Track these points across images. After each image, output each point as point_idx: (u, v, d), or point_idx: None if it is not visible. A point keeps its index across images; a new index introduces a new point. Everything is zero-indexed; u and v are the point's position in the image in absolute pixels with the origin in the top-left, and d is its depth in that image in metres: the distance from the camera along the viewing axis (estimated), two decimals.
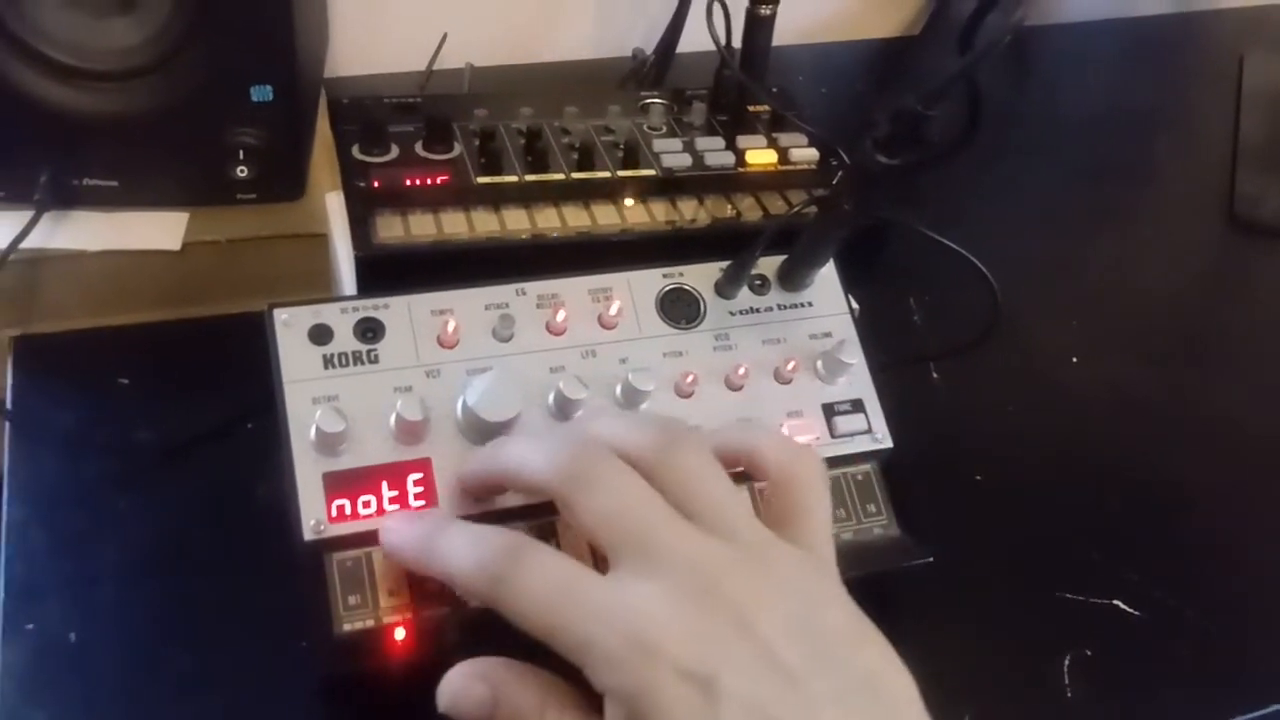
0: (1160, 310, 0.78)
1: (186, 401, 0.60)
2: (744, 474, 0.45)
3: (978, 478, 0.62)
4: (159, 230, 0.63)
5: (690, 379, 0.51)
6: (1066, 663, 0.53)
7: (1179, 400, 0.70)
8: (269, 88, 0.61)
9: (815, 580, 0.40)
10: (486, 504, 0.47)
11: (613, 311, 0.52)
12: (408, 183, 0.58)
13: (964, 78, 0.43)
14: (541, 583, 0.38)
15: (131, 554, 0.53)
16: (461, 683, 0.39)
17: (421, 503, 0.47)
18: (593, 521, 0.39)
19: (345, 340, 0.49)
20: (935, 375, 0.68)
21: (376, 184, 0.57)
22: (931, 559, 0.52)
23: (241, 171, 0.63)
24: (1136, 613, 0.56)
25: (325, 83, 0.84)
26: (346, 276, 0.58)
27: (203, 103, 0.61)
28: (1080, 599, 0.56)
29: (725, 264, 0.55)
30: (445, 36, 0.92)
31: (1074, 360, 0.71)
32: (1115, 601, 0.56)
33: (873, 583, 0.52)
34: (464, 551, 0.40)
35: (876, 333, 0.57)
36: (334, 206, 0.63)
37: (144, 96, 0.61)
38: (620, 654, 0.35)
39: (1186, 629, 0.56)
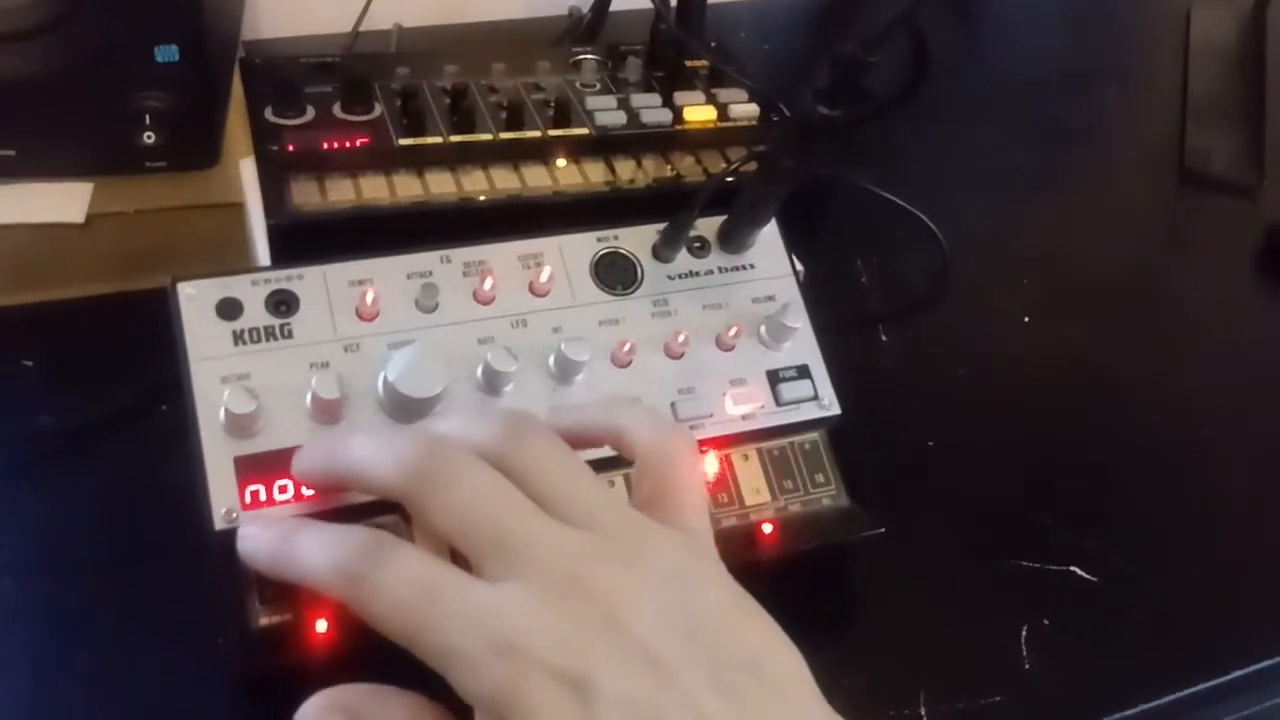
0: (1112, 268, 0.76)
1: (94, 383, 0.57)
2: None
3: (930, 443, 0.60)
4: (61, 202, 0.59)
5: (628, 347, 0.49)
6: (1024, 633, 0.51)
7: (1132, 360, 0.68)
8: (174, 47, 0.58)
9: (689, 562, 0.38)
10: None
11: (544, 278, 0.49)
12: (324, 146, 0.54)
13: (906, 23, 0.40)
14: (400, 584, 0.35)
15: (34, 547, 0.50)
16: (317, 715, 0.36)
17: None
18: (447, 523, 0.36)
19: (256, 314, 0.46)
20: (884, 338, 0.65)
21: (291, 148, 0.54)
22: (883, 530, 0.50)
23: (149, 138, 0.59)
24: (1093, 579, 0.54)
25: (244, 45, 0.80)
26: (261, 247, 0.55)
27: (103, 64, 0.57)
28: (1036, 566, 0.55)
29: (662, 226, 0.52)
30: None
31: (1026, 320, 0.69)
32: (1071, 568, 0.55)
33: (823, 554, 0.50)
34: (320, 553, 0.37)
35: (823, 294, 0.55)
36: (249, 173, 0.59)
37: (39, 58, 0.57)
38: (485, 659, 0.33)
39: (1143, 596, 0.54)
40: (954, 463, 0.59)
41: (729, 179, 0.50)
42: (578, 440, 0.42)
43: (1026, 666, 0.50)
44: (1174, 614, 0.54)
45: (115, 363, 0.58)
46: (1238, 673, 0.51)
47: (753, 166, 0.50)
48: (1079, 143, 0.88)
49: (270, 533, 0.40)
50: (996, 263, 0.73)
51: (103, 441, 0.54)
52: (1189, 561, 0.57)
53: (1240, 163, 0.86)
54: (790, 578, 0.49)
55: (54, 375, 0.57)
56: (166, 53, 0.58)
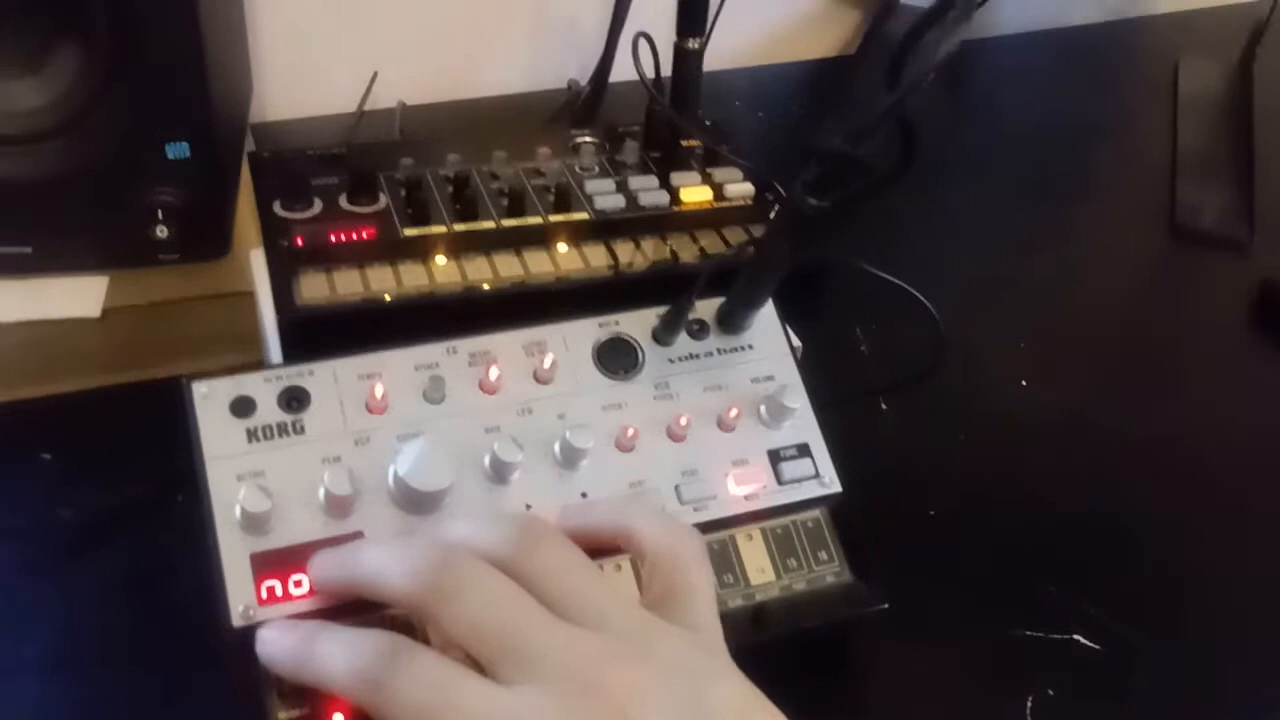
0: (1107, 327, 0.77)
1: (112, 476, 0.58)
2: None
3: (931, 512, 0.61)
4: (77, 297, 0.60)
5: (631, 433, 0.50)
6: (1029, 704, 0.52)
7: (1129, 422, 0.69)
8: (185, 144, 0.59)
9: (699, 660, 0.39)
10: None
11: (547, 365, 0.51)
12: (332, 238, 0.56)
13: (891, 116, 0.41)
14: (418, 689, 0.36)
15: (53, 644, 0.51)
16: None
17: None
18: (462, 632, 0.38)
19: (269, 411, 0.47)
20: (884, 407, 0.66)
21: (299, 241, 0.55)
22: (887, 606, 0.51)
23: (161, 232, 0.61)
24: (1096, 646, 0.55)
25: (252, 129, 0.82)
26: (272, 337, 0.56)
27: (116, 163, 0.59)
28: (1039, 635, 0.55)
29: (662, 310, 0.54)
30: (375, 75, 0.90)
31: (1023, 384, 0.70)
32: (1074, 636, 0.55)
33: (828, 631, 0.51)
34: (339, 658, 0.38)
35: (823, 366, 0.56)
36: (259, 263, 0.61)
37: (54, 159, 0.58)
38: None
39: (1145, 662, 0.55)
40: (955, 531, 0.60)
41: (726, 262, 0.51)
42: (587, 540, 0.43)
43: None
44: (1176, 680, 0.54)
45: (132, 454, 0.59)
46: None
47: (749, 250, 0.52)
48: (1071, 200, 0.90)
49: (290, 637, 0.41)
50: (992, 326, 0.74)
51: (120, 534, 0.55)
52: (1189, 626, 0.57)
53: (1230, 217, 0.88)
54: (796, 654, 0.50)
55: (72, 468, 0.58)
56: (178, 150, 0.60)
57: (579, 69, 0.98)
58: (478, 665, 0.38)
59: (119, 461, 0.59)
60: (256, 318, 0.62)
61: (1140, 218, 0.89)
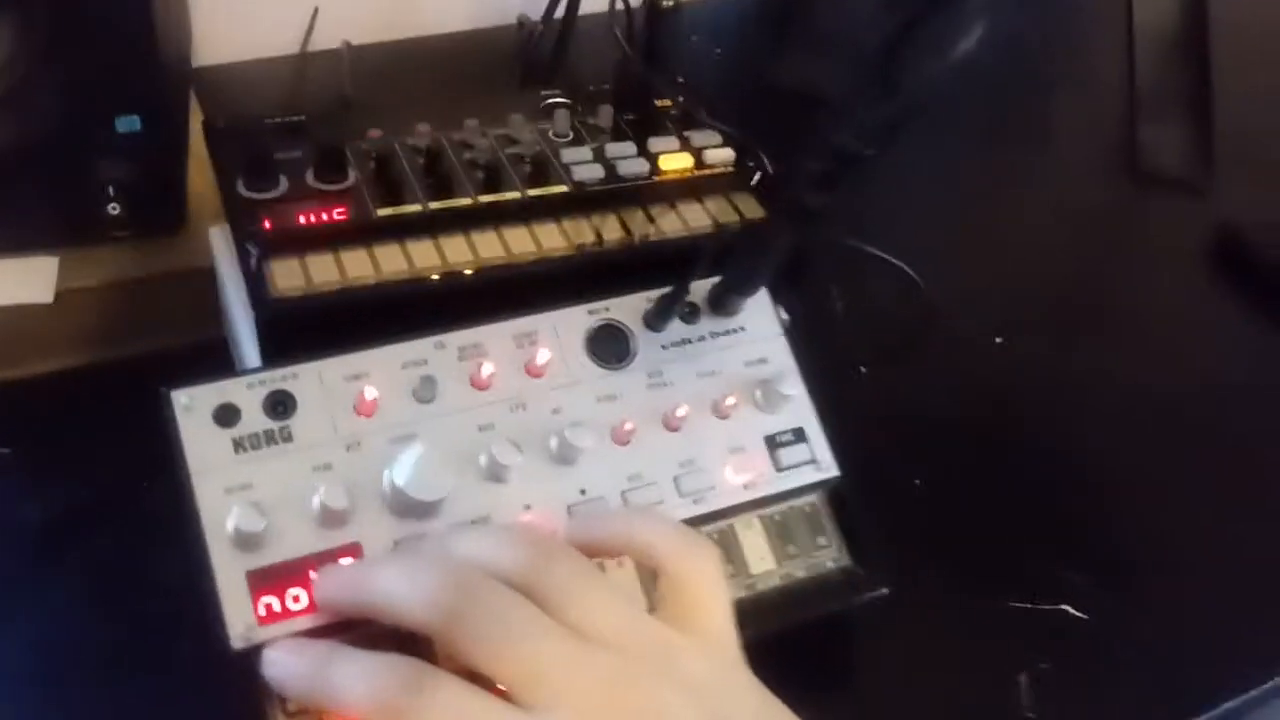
0: (1077, 277, 0.78)
1: (79, 467, 0.56)
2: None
3: (916, 482, 0.61)
4: (28, 281, 0.58)
5: (629, 427, 0.49)
6: (1023, 680, 0.53)
7: (1105, 376, 0.69)
8: (135, 117, 0.56)
9: (718, 673, 0.39)
10: None
11: (540, 361, 0.49)
12: (301, 220, 0.53)
13: (911, 120, 0.40)
14: (444, 717, 0.35)
15: (25, 657, 0.49)
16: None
17: None
18: (482, 657, 0.37)
19: (254, 419, 0.45)
20: (863, 370, 0.66)
21: (267, 224, 0.52)
22: (887, 590, 0.51)
23: (114, 209, 0.58)
24: (1085, 616, 0.56)
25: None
26: (243, 327, 0.54)
27: (62, 138, 0.56)
28: (1028, 606, 0.56)
29: (652, 294, 0.52)
30: (316, 12, 0.86)
31: (998, 340, 0.70)
32: (1063, 606, 0.56)
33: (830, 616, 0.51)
34: (358, 684, 0.37)
35: (799, 332, 0.55)
36: (219, 241, 0.58)
37: None
38: None
39: (1134, 629, 0.56)
40: (940, 502, 0.60)
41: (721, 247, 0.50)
42: (599, 552, 0.42)
43: (1029, 715, 0.52)
44: (1165, 647, 0.56)
45: (97, 442, 0.57)
46: (1235, 700, 0.53)
47: (742, 233, 0.50)
48: (1030, 146, 0.89)
49: (302, 659, 0.40)
50: (962, 281, 0.73)
51: (92, 533, 0.53)
52: (1174, 589, 0.58)
53: (1190, 159, 0.88)
54: (794, 637, 0.50)
55: (34, 461, 0.56)
56: (128, 123, 0.56)
57: (525, 2, 0.95)
58: (496, 688, 0.37)
59: (84, 451, 0.56)
60: (218, 295, 0.60)
61: (1102, 161, 0.89)
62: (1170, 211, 0.84)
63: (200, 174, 0.62)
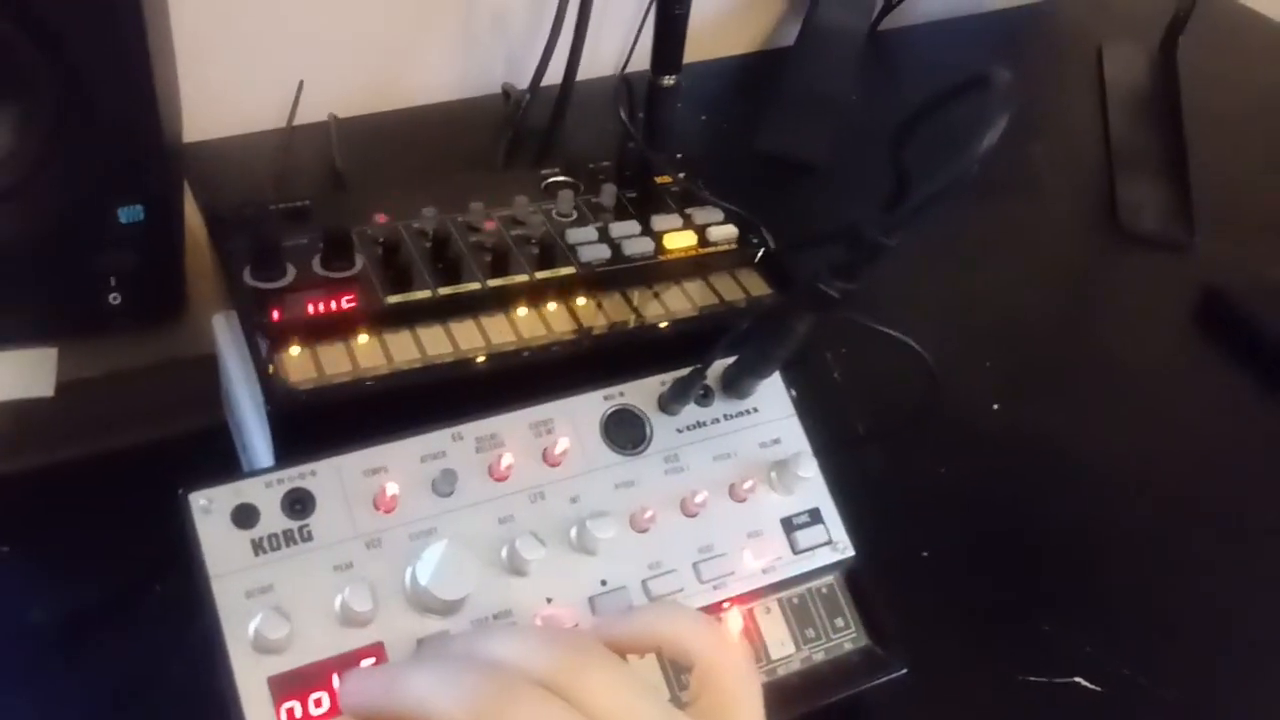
0: (1067, 340, 0.78)
1: (83, 565, 0.55)
2: None
3: (924, 554, 0.61)
4: (28, 375, 0.56)
5: (649, 515, 0.49)
6: None
7: (1099, 440, 0.70)
8: (139, 207, 0.56)
9: None
10: None
11: (558, 450, 0.49)
12: (310, 309, 0.53)
13: (935, 206, 0.40)
14: None
15: None
16: None
17: None
18: None
19: (273, 519, 0.45)
20: (865, 443, 0.66)
21: (277, 315, 0.52)
22: (906, 670, 0.51)
23: (115, 299, 0.57)
24: (1098, 689, 0.56)
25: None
26: (249, 415, 0.53)
27: (65, 230, 0.55)
28: (1043, 680, 0.56)
29: (666, 377, 0.52)
30: (302, 85, 0.86)
31: (995, 408, 0.71)
32: (1076, 679, 0.56)
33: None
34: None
35: (803, 404, 0.55)
36: (223, 328, 0.57)
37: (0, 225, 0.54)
38: None
39: (1147, 700, 0.56)
40: (949, 572, 0.61)
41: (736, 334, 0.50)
42: (628, 649, 0.42)
43: None
44: (1176, 713, 0.56)
45: (100, 538, 0.56)
46: None
47: (756, 317, 0.50)
48: (1014, 201, 0.90)
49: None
50: (956, 345, 0.74)
51: (101, 636, 0.52)
52: (1182, 656, 0.59)
53: (1171, 216, 0.89)
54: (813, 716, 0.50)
55: (36, 560, 0.55)
56: (131, 213, 0.56)
57: (508, 71, 0.95)
58: None
59: (89, 548, 0.55)
60: (219, 382, 0.59)
61: (1085, 218, 0.90)
62: (1152, 269, 0.86)
63: (196, 257, 0.62)
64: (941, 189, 0.40)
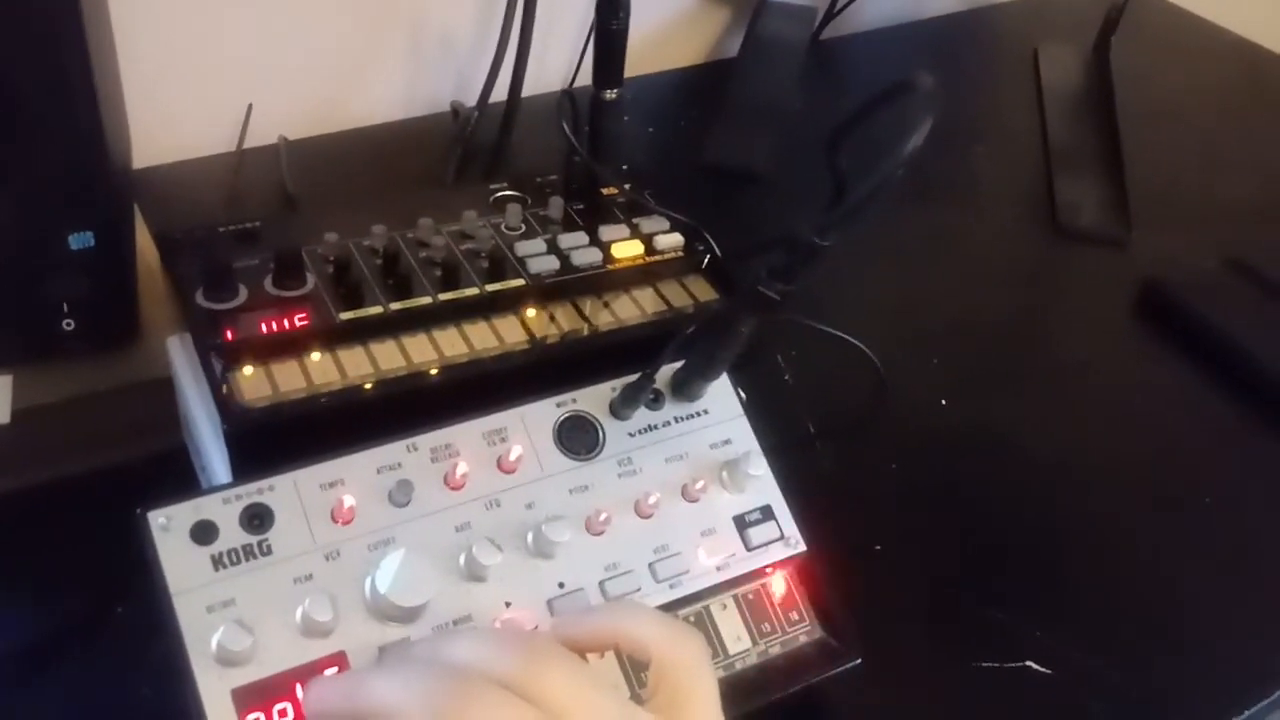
0: (1011, 335, 0.80)
1: (43, 593, 0.55)
2: None
3: (877, 547, 0.63)
4: None
5: (603, 517, 0.50)
6: None
7: (1044, 433, 0.72)
8: (89, 233, 0.56)
9: None
10: None
11: (512, 457, 0.50)
12: (263, 328, 0.53)
13: (865, 209, 0.42)
14: None
15: None
16: None
17: None
18: None
19: (232, 534, 0.46)
20: (817, 444, 0.68)
21: (229, 335, 0.53)
22: (860, 660, 0.52)
23: (68, 325, 0.58)
24: (1049, 672, 0.57)
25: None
26: (207, 436, 0.54)
27: (16, 258, 0.55)
28: (994, 665, 0.58)
29: (617, 383, 0.53)
30: (251, 108, 0.87)
31: (943, 403, 0.72)
32: (1027, 663, 0.58)
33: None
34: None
35: (754, 406, 0.56)
36: (177, 350, 0.58)
37: None
38: None
39: (1096, 682, 0.58)
40: (902, 564, 0.62)
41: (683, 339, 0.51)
42: (586, 648, 0.43)
43: None
44: (1127, 694, 0.57)
45: (60, 566, 0.56)
46: None
47: (704, 322, 0.52)
48: (954, 204, 0.92)
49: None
50: (902, 344, 0.75)
51: (62, 663, 0.52)
52: (1128, 638, 0.60)
53: (1109, 214, 0.91)
54: (772, 711, 0.51)
55: None
56: (81, 239, 0.56)
57: (455, 89, 0.96)
58: None
59: (47, 574, 0.56)
60: (176, 404, 0.60)
61: (1023, 218, 0.92)
62: (1092, 265, 0.88)
63: (149, 282, 0.62)
64: (871, 190, 0.42)
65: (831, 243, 0.44)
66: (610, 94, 0.64)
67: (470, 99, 0.92)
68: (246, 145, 0.86)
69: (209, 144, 0.87)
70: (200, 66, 0.84)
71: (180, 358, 0.58)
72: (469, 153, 0.87)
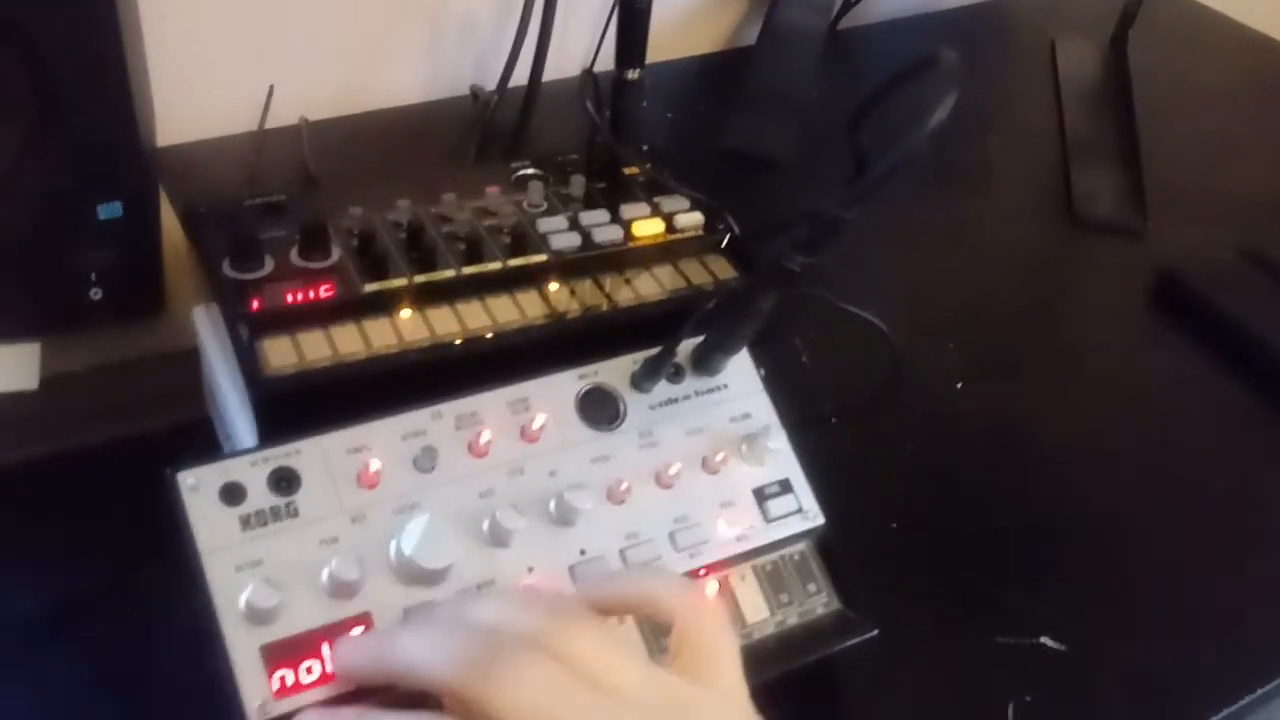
0: (1027, 321, 0.81)
1: (70, 554, 0.55)
2: None
3: (893, 525, 0.63)
4: (11, 369, 0.58)
5: (625, 486, 0.50)
6: (1010, 712, 0.55)
7: (1062, 418, 0.72)
8: (118, 204, 0.57)
9: None
10: None
11: (535, 426, 0.50)
12: (289, 299, 0.54)
13: (889, 181, 0.42)
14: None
15: None
16: None
17: None
18: (510, 715, 0.38)
19: (260, 496, 0.46)
20: (833, 420, 0.68)
21: (256, 304, 0.54)
22: (877, 632, 0.53)
23: (96, 294, 0.59)
24: (1062, 647, 0.58)
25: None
26: (233, 405, 0.55)
27: (44, 227, 0.56)
28: (1009, 641, 0.58)
29: (638, 356, 0.54)
30: (272, 89, 0.87)
31: (958, 386, 0.73)
32: (1042, 639, 0.58)
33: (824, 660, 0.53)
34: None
35: (767, 375, 0.57)
36: (203, 321, 0.58)
37: None
38: None
39: (1111, 658, 0.58)
40: (918, 542, 0.63)
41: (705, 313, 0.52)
42: (609, 610, 0.44)
43: None
44: (1141, 671, 0.58)
45: (86, 529, 0.57)
46: (1216, 717, 0.56)
47: (726, 296, 0.52)
48: (972, 192, 0.92)
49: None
50: (920, 328, 0.76)
51: (90, 621, 0.53)
52: (1143, 616, 0.61)
53: (1125, 204, 0.92)
54: (790, 681, 0.51)
55: (24, 550, 0.56)
56: (110, 210, 0.57)
57: (475, 72, 0.97)
58: None
59: (73, 538, 0.56)
60: (200, 375, 0.61)
61: (1039, 207, 0.92)
62: (1108, 254, 0.88)
63: (171, 258, 0.63)
64: (895, 164, 0.42)
65: (855, 216, 0.44)
66: (633, 74, 0.65)
67: (488, 83, 0.92)
68: (267, 126, 0.87)
69: (229, 125, 0.87)
70: (222, 47, 0.85)
71: (206, 328, 0.58)
72: (488, 135, 0.88)
